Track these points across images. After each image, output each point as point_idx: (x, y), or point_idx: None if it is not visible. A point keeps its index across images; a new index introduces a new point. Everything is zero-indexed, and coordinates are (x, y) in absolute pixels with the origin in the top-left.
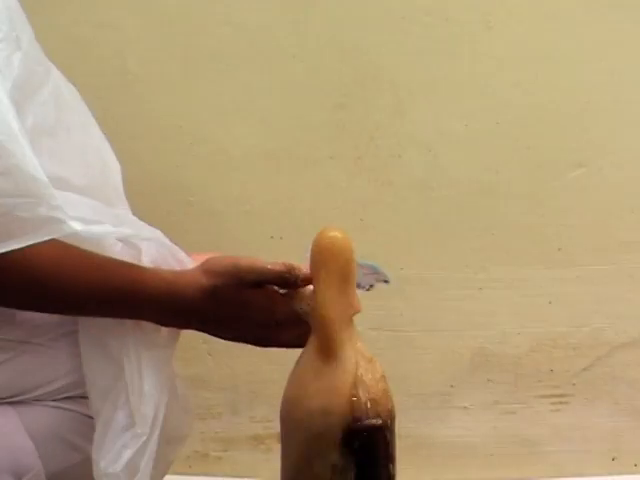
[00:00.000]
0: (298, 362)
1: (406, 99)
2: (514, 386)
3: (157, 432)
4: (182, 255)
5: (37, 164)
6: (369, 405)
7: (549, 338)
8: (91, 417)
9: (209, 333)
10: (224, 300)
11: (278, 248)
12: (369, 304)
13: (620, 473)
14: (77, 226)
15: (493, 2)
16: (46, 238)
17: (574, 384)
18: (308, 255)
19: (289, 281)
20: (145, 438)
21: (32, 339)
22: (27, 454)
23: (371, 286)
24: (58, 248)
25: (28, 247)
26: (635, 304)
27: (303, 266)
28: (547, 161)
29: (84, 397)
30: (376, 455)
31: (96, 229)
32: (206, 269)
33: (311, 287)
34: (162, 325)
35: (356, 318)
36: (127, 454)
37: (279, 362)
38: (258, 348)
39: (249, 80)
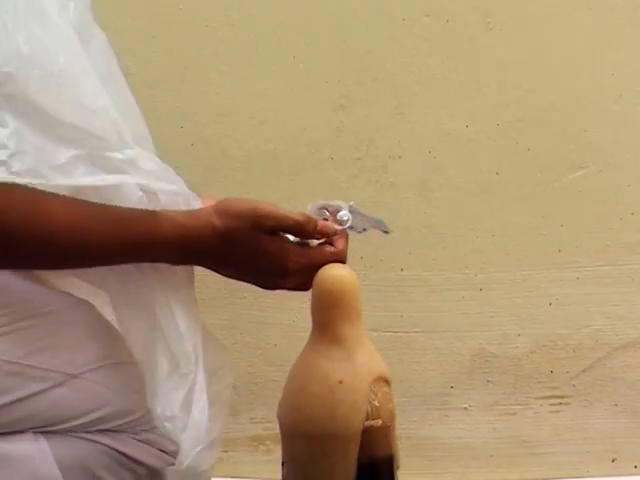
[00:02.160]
0: (298, 364)
1: (406, 100)
2: (514, 387)
3: (200, 367)
4: (195, 203)
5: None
6: (370, 407)
7: (549, 339)
8: (119, 451)
9: (219, 272)
10: (237, 242)
11: None
12: (368, 305)
13: (620, 474)
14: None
15: (493, 3)
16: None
17: (574, 385)
18: (312, 208)
19: (307, 231)
20: (192, 376)
21: (70, 370)
22: None
23: (364, 229)
24: (68, 204)
25: (43, 203)
26: (635, 305)
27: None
28: (547, 162)
29: (115, 430)
30: (377, 456)
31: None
32: (220, 210)
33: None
34: (175, 264)
35: None
36: (180, 395)
37: (279, 363)
38: (258, 349)
39: (249, 81)
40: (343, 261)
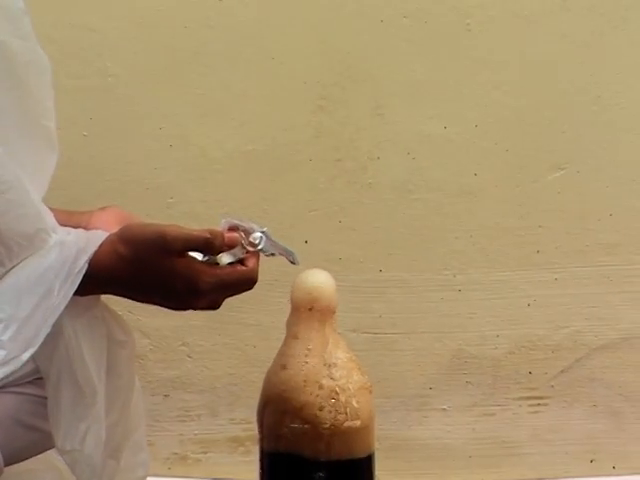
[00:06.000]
0: (274, 366)
1: (385, 101)
2: (493, 388)
3: (102, 396)
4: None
5: None
6: (348, 407)
7: (528, 340)
8: (45, 397)
9: (129, 298)
10: (147, 269)
11: None
12: (348, 306)
13: (598, 475)
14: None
15: (472, 4)
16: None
17: (552, 386)
18: (224, 226)
19: (215, 246)
20: (97, 407)
21: None
22: None
23: (272, 254)
24: None
25: None
26: (613, 306)
27: (224, 232)
28: (526, 163)
29: (40, 378)
30: (356, 456)
31: None
32: (126, 238)
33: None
34: (82, 296)
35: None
36: (82, 427)
37: (259, 364)
38: (238, 351)
39: (229, 82)
40: (254, 280)
